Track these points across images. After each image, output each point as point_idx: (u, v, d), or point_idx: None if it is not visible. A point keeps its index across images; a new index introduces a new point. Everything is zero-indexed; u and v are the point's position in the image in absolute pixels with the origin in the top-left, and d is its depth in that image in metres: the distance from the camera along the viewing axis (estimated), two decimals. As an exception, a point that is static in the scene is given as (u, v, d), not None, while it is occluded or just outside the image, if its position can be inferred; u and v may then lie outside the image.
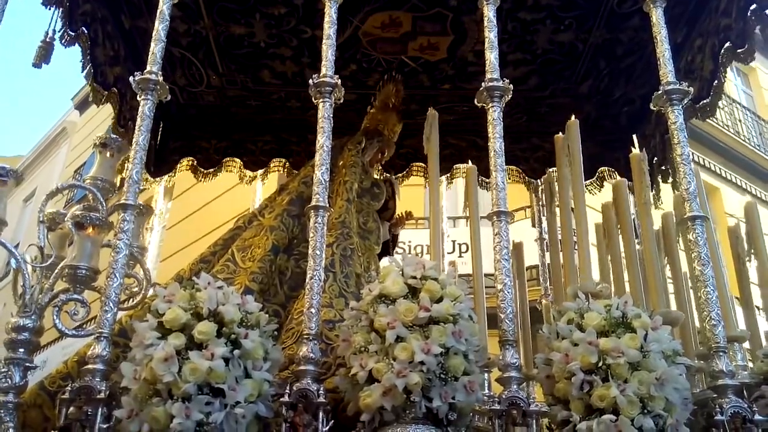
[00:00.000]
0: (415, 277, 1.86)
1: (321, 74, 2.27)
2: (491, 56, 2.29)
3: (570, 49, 3.77)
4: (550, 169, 3.29)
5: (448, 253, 6.19)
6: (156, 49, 2.31)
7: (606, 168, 4.40)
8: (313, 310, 1.88)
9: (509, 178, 4.56)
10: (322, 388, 1.76)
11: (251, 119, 4.48)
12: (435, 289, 1.81)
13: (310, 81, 2.25)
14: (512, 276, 1.92)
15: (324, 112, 2.21)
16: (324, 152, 2.14)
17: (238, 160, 4.47)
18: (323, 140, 2.16)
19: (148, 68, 2.26)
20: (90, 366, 1.78)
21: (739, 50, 3.14)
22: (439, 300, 1.81)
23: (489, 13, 2.37)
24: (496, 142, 2.14)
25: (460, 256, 6.41)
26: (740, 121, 11.52)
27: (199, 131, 4.47)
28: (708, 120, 3.83)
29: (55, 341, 7.35)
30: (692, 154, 3.98)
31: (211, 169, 4.44)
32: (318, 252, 1.95)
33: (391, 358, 1.72)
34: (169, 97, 2.31)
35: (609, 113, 4.30)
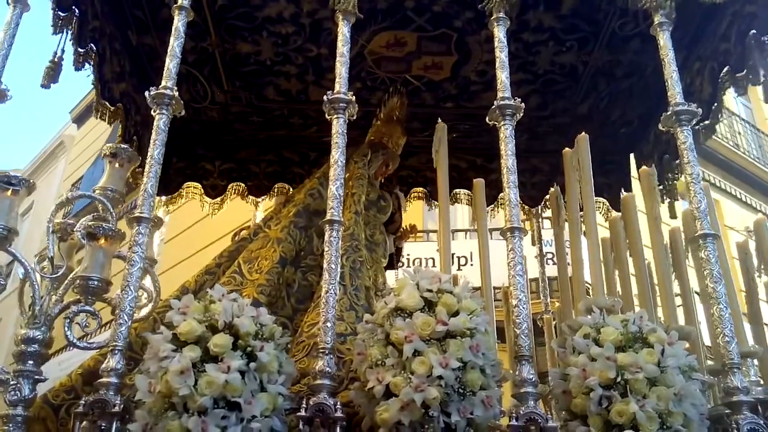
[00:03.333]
0: (431, 290, 1.86)
1: (335, 91, 2.29)
2: (502, 75, 2.32)
3: (571, 70, 3.83)
4: (556, 185, 3.30)
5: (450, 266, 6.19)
6: (171, 64, 2.33)
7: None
8: (328, 324, 1.87)
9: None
10: (339, 403, 1.75)
11: (254, 135, 4.50)
12: (451, 302, 1.81)
13: (324, 97, 2.28)
14: (527, 291, 1.93)
15: (338, 127, 2.23)
16: (338, 167, 2.16)
17: (242, 184, 4.49)
18: (337, 155, 2.17)
19: (163, 83, 2.28)
20: (104, 379, 1.76)
21: (737, 74, 3.20)
22: (456, 313, 1.81)
23: (500, 33, 2.41)
24: (508, 159, 2.17)
25: (459, 269, 6.40)
26: (739, 133, 11.64)
27: (203, 149, 4.49)
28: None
29: (52, 356, 7.23)
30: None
31: (218, 198, 4.45)
32: (333, 266, 1.95)
33: (408, 372, 1.71)
34: (183, 112, 2.31)
35: (607, 133, 4.34)
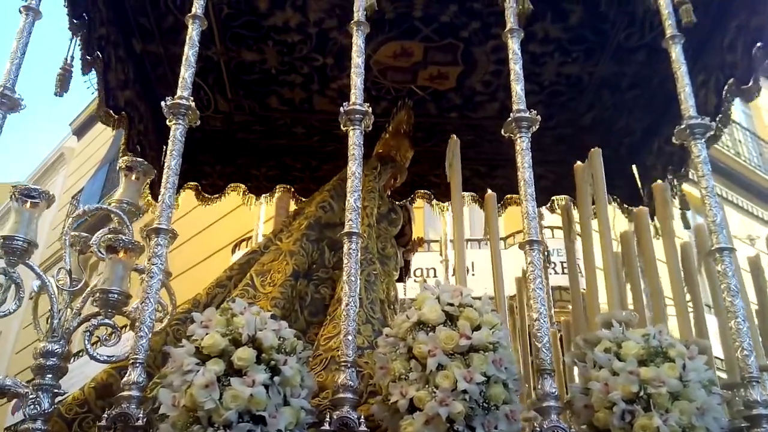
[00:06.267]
0: (452, 304, 1.86)
1: (350, 102, 2.29)
2: (517, 87, 2.34)
3: (576, 81, 3.87)
4: (566, 197, 3.32)
5: (452, 276, 6.21)
6: (186, 74, 2.32)
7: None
8: (349, 338, 1.87)
9: (513, 204, 4.60)
10: (362, 417, 1.75)
11: (255, 144, 4.50)
12: (474, 316, 1.82)
13: (341, 109, 2.28)
14: (546, 305, 1.94)
15: (355, 139, 2.23)
16: (355, 179, 2.15)
17: (242, 185, 4.47)
18: (354, 167, 2.17)
19: (179, 93, 2.26)
20: (126, 393, 1.75)
21: (743, 86, 3.24)
22: (478, 327, 1.81)
23: (514, 45, 2.43)
24: (525, 172, 2.17)
25: (464, 279, 6.34)
26: (740, 141, 11.70)
27: (204, 156, 4.46)
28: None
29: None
30: (692, 175, 4.09)
31: (216, 195, 4.43)
32: (353, 279, 1.95)
33: (432, 386, 1.71)
34: (198, 122, 2.30)
35: (610, 144, 4.37)
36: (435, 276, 6.80)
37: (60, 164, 17.03)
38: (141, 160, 2.36)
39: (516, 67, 2.39)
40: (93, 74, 3.19)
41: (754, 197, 11.40)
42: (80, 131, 16.24)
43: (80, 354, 7.13)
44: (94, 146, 15.22)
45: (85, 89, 3.50)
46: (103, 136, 14.50)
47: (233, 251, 8.65)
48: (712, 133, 2.35)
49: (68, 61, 2.95)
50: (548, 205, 4.49)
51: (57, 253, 12.41)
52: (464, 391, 1.69)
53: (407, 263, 3.71)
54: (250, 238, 8.32)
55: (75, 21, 2.87)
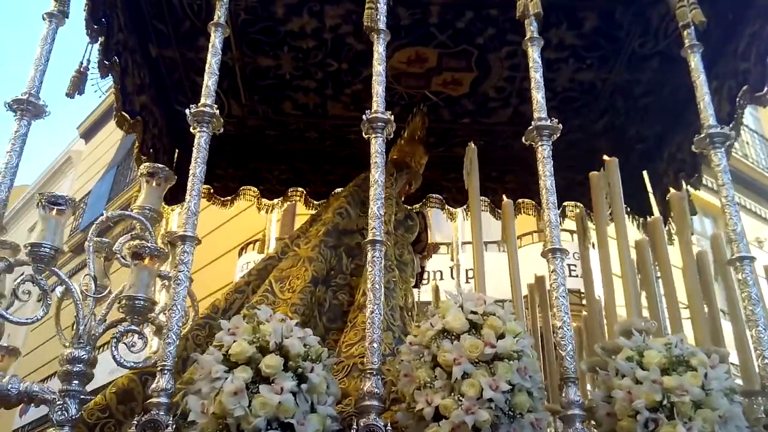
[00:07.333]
0: (475, 313, 1.88)
1: (373, 110, 2.31)
2: (538, 96, 2.35)
3: (590, 88, 3.88)
4: (584, 208, 3.32)
5: (464, 280, 6.22)
6: (209, 81, 2.34)
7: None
8: (374, 345, 1.89)
9: (522, 212, 4.63)
10: (389, 424, 1.77)
11: (268, 148, 4.51)
12: (498, 324, 1.84)
13: (363, 116, 2.30)
14: (569, 313, 1.95)
15: (377, 147, 2.25)
16: (378, 187, 2.17)
17: (254, 188, 4.49)
18: (377, 175, 2.19)
19: (203, 101, 2.29)
20: (154, 399, 1.77)
21: (757, 93, 3.25)
22: (502, 336, 1.83)
23: (534, 54, 2.45)
24: (547, 180, 2.19)
25: (467, 282, 6.38)
26: (748, 143, 11.70)
27: (216, 160, 4.47)
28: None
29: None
30: (706, 181, 4.10)
31: (228, 197, 4.45)
32: (377, 286, 1.97)
33: (457, 394, 1.73)
34: (222, 130, 2.33)
35: (621, 150, 4.38)
36: (442, 279, 6.84)
37: (68, 167, 17.15)
38: (162, 166, 2.38)
39: (536, 76, 2.41)
40: (100, 78, 3.20)
41: (762, 199, 11.40)
42: (88, 134, 16.37)
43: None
44: (102, 149, 15.33)
45: (93, 92, 3.50)
46: (110, 139, 14.60)
47: (240, 254, 8.68)
48: (731, 141, 2.35)
49: (84, 65, 2.97)
50: (560, 210, 4.48)
51: (64, 257, 12.46)
52: (490, 400, 1.71)
53: (422, 269, 3.73)
54: (257, 241, 8.33)
55: (95, 26, 2.89)
